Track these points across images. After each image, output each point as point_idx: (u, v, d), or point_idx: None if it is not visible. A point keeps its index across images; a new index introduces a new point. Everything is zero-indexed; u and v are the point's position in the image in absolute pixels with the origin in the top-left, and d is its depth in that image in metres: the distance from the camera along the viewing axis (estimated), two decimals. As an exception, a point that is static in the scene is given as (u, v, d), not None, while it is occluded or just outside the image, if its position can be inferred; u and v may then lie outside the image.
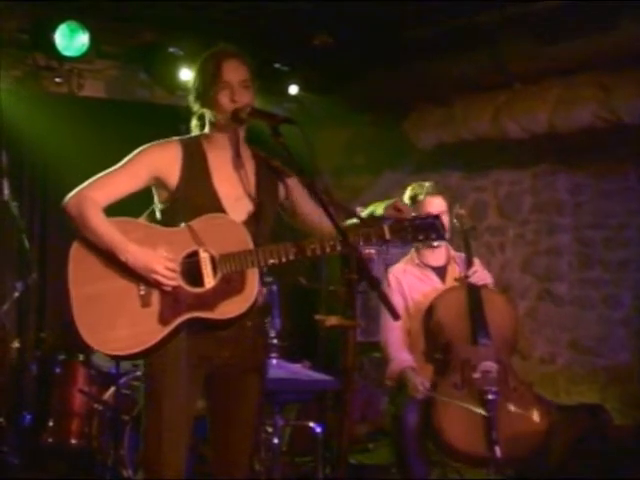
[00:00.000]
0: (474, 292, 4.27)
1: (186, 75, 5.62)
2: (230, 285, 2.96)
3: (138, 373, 4.75)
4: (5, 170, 5.37)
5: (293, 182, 3.19)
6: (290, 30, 5.87)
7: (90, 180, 3.02)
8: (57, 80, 5.87)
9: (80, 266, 2.95)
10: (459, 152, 6.89)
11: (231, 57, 3.04)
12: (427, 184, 4.48)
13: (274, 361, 4.98)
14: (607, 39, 5.43)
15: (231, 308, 2.96)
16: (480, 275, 4.36)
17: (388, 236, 2.99)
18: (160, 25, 5.90)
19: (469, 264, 4.38)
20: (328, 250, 2.99)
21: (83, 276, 2.94)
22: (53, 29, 5.45)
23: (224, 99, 3.00)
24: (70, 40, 5.52)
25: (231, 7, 5.53)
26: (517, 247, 6.82)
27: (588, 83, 5.92)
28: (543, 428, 4.10)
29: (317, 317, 4.12)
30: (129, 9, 5.60)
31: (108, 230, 2.93)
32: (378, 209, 3.09)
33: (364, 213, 3.13)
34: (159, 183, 3.04)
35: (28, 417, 5.51)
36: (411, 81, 6.52)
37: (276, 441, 4.85)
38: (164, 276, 2.90)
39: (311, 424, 5.13)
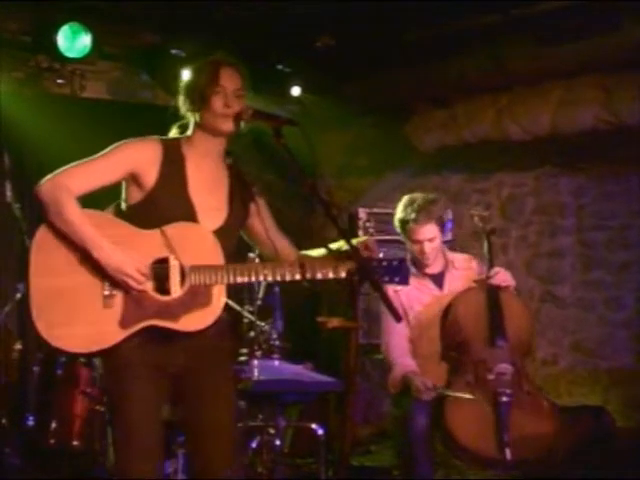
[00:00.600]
0: (493, 294, 4.26)
1: (188, 77, 5.63)
2: (196, 297, 2.92)
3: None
4: (7, 172, 5.37)
5: (262, 203, 3.19)
6: (292, 32, 5.87)
7: (67, 167, 2.97)
8: (59, 81, 5.88)
9: (44, 254, 2.88)
10: (461, 154, 6.90)
11: (229, 65, 3.06)
12: (417, 208, 4.36)
13: (276, 362, 4.98)
14: (609, 41, 5.44)
15: (194, 321, 2.93)
16: (502, 276, 4.34)
17: (356, 276, 2.96)
18: (162, 27, 5.90)
19: (490, 266, 4.35)
20: (318, 276, 3.00)
21: (46, 266, 2.87)
22: (55, 31, 5.46)
23: (217, 103, 3.00)
24: (72, 42, 5.52)
25: (233, 9, 5.53)
26: (519, 249, 6.82)
27: (590, 85, 5.93)
28: (553, 433, 4.11)
29: (319, 319, 4.14)
30: (131, 11, 5.61)
31: (83, 223, 2.87)
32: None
33: (333, 245, 3.09)
34: (133, 179, 2.99)
35: (30, 419, 5.50)
36: (413, 83, 6.52)
37: (278, 442, 4.86)
38: (135, 280, 2.86)
39: (313, 426, 5.13)
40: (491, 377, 4.11)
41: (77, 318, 2.86)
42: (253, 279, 2.97)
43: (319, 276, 3.00)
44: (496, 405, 4.03)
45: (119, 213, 3.03)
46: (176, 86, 3.17)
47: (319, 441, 5.08)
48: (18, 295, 5.40)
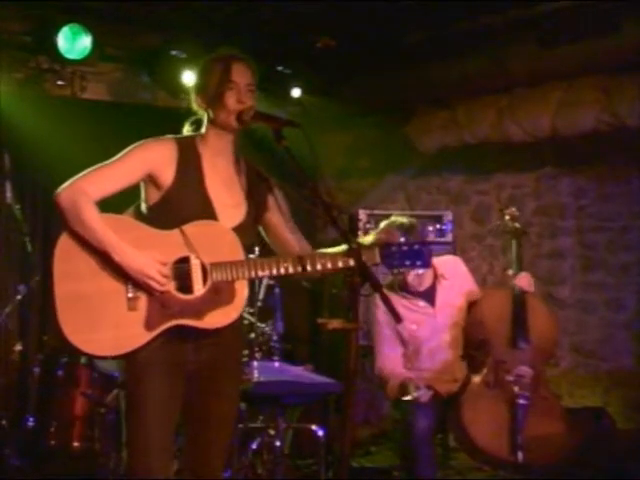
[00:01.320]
0: (519, 296, 4.27)
1: (189, 78, 5.62)
2: (219, 295, 2.94)
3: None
4: (8, 173, 5.37)
5: (280, 196, 3.20)
6: (293, 33, 5.87)
7: (84, 173, 2.97)
8: (60, 83, 5.87)
9: (66, 261, 2.90)
10: (462, 155, 6.90)
11: (240, 60, 3.06)
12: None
13: (276, 364, 4.99)
14: (610, 42, 5.43)
15: (218, 318, 2.94)
16: (524, 281, 4.30)
17: (378, 260, 2.99)
18: (163, 28, 5.90)
19: (519, 267, 4.34)
20: (329, 266, 3.00)
21: (69, 272, 2.89)
22: (56, 32, 5.45)
23: (230, 99, 3.01)
24: (73, 43, 5.52)
25: (234, 10, 5.53)
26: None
27: (590, 87, 5.93)
28: (566, 441, 4.10)
29: (320, 320, 4.14)
30: (132, 12, 5.61)
31: (103, 228, 2.88)
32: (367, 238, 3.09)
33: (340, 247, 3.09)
34: (151, 180, 3.00)
35: (31, 420, 5.50)
36: (414, 84, 6.52)
37: (278, 444, 4.86)
38: (157, 282, 2.87)
39: (313, 427, 5.13)
40: (510, 378, 4.12)
41: (103, 322, 2.87)
42: (275, 272, 2.98)
43: (336, 266, 3.00)
44: (513, 407, 4.03)
45: (139, 215, 3.04)
46: (178, 86, 3.18)
47: (319, 442, 5.08)
48: (18, 296, 5.40)
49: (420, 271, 4.30)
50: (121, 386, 3.08)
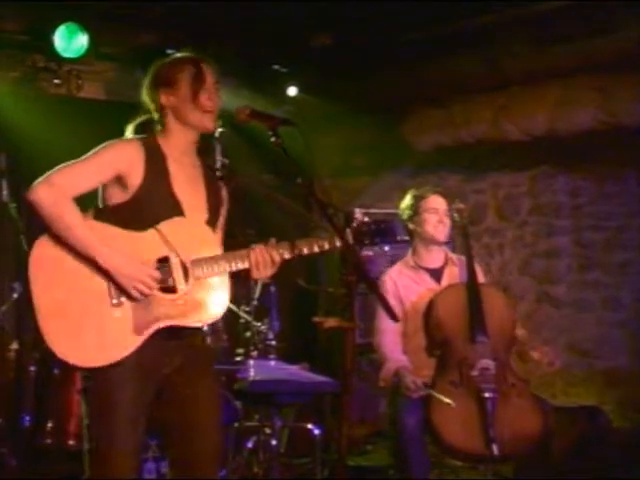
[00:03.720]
0: (473, 289, 4.28)
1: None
2: (202, 290, 2.93)
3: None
4: (3, 171, 5.37)
5: (226, 195, 3.20)
6: (288, 32, 5.87)
7: (58, 169, 2.92)
8: (56, 81, 5.87)
9: (44, 269, 2.83)
10: (458, 154, 6.90)
11: (206, 61, 3.12)
12: (428, 187, 4.57)
13: (272, 362, 4.99)
14: (606, 42, 5.44)
15: (204, 314, 2.94)
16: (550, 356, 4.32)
17: (351, 241, 3.00)
18: (158, 27, 5.90)
19: (469, 260, 4.39)
20: (316, 249, 3.02)
21: (48, 280, 2.83)
22: (52, 30, 5.45)
23: (203, 97, 3.03)
24: (69, 42, 5.52)
25: (229, 9, 5.53)
26: (516, 249, 6.82)
27: (587, 86, 5.93)
28: (541, 425, 4.10)
29: (316, 319, 4.14)
30: (128, 11, 5.60)
31: (88, 234, 2.85)
32: None
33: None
34: (118, 181, 2.96)
35: (27, 418, 5.50)
36: (410, 83, 6.52)
37: (274, 442, 4.87)
38: (147, 285, 2.85)
39: (309, 426, 5.14)
40: (474, 373, 4.11)
41: (87, 332, 2.82)
42: (254, 264, 2.97)
43: (309, 250, 3.02)
44: (481, 401, 4.03)
45: (100, 216, 2.98)
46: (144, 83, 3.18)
47: (315, 441, 5.09)
48: (15, 295, 5.40)
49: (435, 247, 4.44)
50: (87, 389, 3.00)
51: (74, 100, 6.02)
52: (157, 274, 2.88)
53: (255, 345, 5.07)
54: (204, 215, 3.05)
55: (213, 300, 2.95)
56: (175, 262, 2.91)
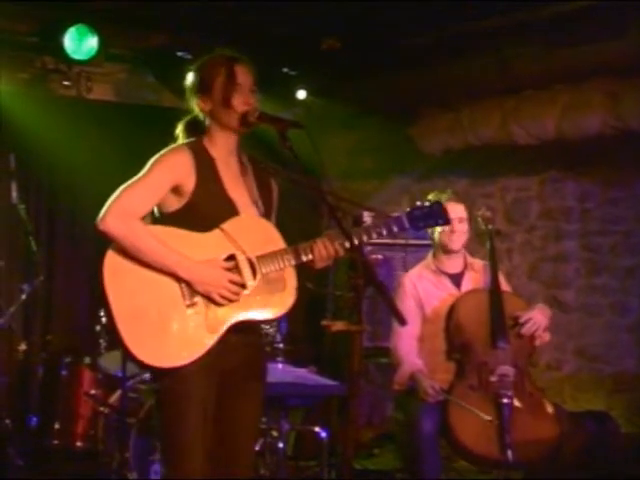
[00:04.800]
0: (496, 295, 4.28)
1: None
2: (271, 285, 2.99)
3: (145, 376, 4.76)
4: (13, 173, 5.39)
5: (276, 192, 3.24)
6: (298, 35, 5.87)
7: (119, 194, 2.94)
8: (66, 83, 5.88)
9: (118, 279, 2.90)
10: (466, 158, 6.89)
11: (242, 62, 3.09)
12: (449, 191, 4.52)
13: (280, 365, 4.98)
14: (615, 46, 5.43)
15: (275, 307, 3.01)
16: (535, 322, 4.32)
17: (407, 225, 3.09)
18: (168, 29, 5.91)
19: (493, 267, 4.38)
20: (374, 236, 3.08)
21: (123, 289, 2.90)
22: (62, 32, 5.47)
23: (237, 101, 3.03)
24: (79, 43, 5.53)
25: (239, 11, 5.53)
26: (524, 253, 6.81)
27: (596, 90, 5.92)
28: (556, 435, 4.12)
29: (323, 322, 4.13)
30: (138, 13, 5.61)
31: (165, 251, 2.91)
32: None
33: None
34: (174, 190, 3.01)
35: (34, 419, 5.52)
36: (419, 86, 6.52)
37: (281, 445, 4.86)
38: (232, 291, 2.93)
39: (316, 429, 5.13)
40: (493, 379, 4.12)
41: (168, 334, 2.89)
42: (317, 255, 3.02)
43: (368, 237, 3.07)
44: (498, 407, 4.04)
45: (156, 223, 3.04)
46: (182, 88, 3.17)
47: (322, 444, 5.08)
48: (23, 296, 5.41)
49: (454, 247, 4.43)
50: (156, 389, 3.01)
51: (84, 102, 6.04)
52: (237, 277, 2.94)
53: (263, 348, 5.07)
54: (258, 210, 3.10)
55: (282, 293, 3.02)
56: (242, 259, 2.97)
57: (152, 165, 3.01)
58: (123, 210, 2.91)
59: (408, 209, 3.13)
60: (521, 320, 4.27)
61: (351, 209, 3.16)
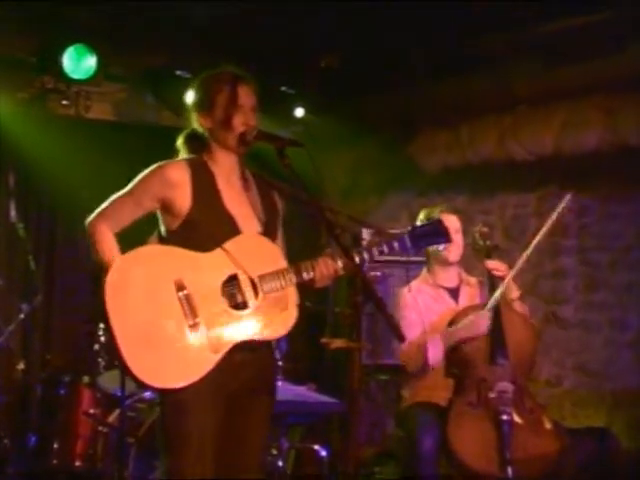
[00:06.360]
0: (495, 311, 4.27)
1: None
2: (272, 304, 2.99)
3: (144, 395, 4.75)
4: (12, 192, 5.39)
5: (281, 208, 3.26)
6: (295, 53, 5.90)
7: (105, 203, 3.03)
8: (64, 102, 5.89)
9: (118, 297, 2.90)
10: (465, 175, 6.90)
11: (245, 81, 3.09)
12: (441, 205, 4.58)
13: (280, 383, 4.96)
14: (613, 62, 5.46)
15: (277, 327, 3.01)
16: (496, 264, 4.34)
17: (409, 244, 3.09)
18: (167, 48, 5.93)
19: (491, 286, 4.36)
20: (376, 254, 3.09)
21: (124, 308, 2.89)
22: (61, 52, 5.48)
23: (237, 121, 3.04)
24: (78, 63, 5.55)
25: (237, 31, 5.56)
26: (522, 269, 6.79)
27: (594, 106, 5.94)
28: (556, 451, 4.10)
29: (323, 339, 4.13)
30: (136, 32, 5.64)
31: (108, 241, 2.99)
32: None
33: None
34: (166, 206, 3.01)
35: (33, 439, 5.49)
36: (417, 104, 6.54)
37: (281, 464, 4.84)
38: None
39: (316, 447, 5.12)
40: (492, 395, 4.11)
41: (169, 354, 2.89)
42: (318, 274, 3.03)
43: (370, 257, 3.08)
44: (498, 423, 4.03)
45: (162, 241, 3.07)
46: (183, 106, 3.19)
47: (322, 462, 5.07)
48: (21, 315, 5.40)
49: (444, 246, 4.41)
50: (160, 403, 3.02)
51: (83, 121, 6.04)
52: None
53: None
54: (260, 228, 3.10)
55: (284, 312, 3.03)
56: (243, 279, 2.97)
57: (142, 176, 3.03)
58: (104, 215, 3.00)
59: (410, 228, 3.14)
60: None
61: (351, 226, 3.16)
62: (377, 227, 3.19)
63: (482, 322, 4.17)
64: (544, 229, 4.30)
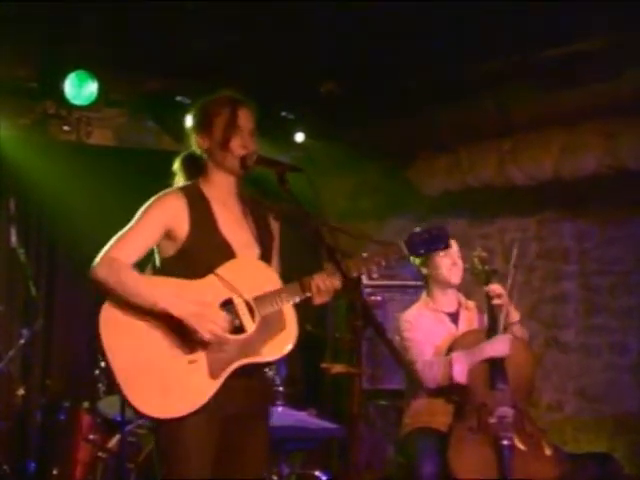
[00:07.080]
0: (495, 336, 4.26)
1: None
2: (270, 325, 2.98)
3: (144, 421, 4.73)
4: (12, 217, 5.40)
5: (277, 230, 3.25)
6: (296, 79, 5.93)
7: (110, 243, 2.98)
8: (65, 128, 5.92)
9: (115, 334, 2.90)
10: (464, 199, 6.92)
11: (245, 105, 3.11)
12: None
13: (280, 408, 4.96)
14: (611, 87, 5.48)
15: (276, 348, 2.99)
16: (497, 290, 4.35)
17: (405, 251, 3.10)
18: (167, 74, 5.97)
19: (490, 309, 4.35)
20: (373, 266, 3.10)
21: (121, 344, 2.89)
22: (62, 78, 5.51)
23: (235, 144, 3.05)
24: (79, 89, 5.57)
25: (237, 56, 5.59)
26: (523, 294, 6.80)
27: (593, 131, 5.96)
28: (555, 477, 4.09)
29: (323, 365, 4.13)
30: (137, 58, 5.67)
31: (151, 289, 2.91)
32: None
33: None
34: (167, 235, 3.02)
35: (32, 465, 5.48)
36: (416, 128, 6.56)
37: (281, 490, 4.82)
38: (220, 326, 2.89)
39: (317, 472, 5.09)
40: (492, 421, 4.10)
41: (169, 386, 2.88)
42: (315, 292, 3.03)
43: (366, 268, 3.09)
44: (498, 449, 4.01)
45: (156, 270, 3.06)
46: (183, 131, 3.20)
47: (323, 488, 5.04)
48: (22, 340, 5.40)
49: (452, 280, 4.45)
50: (155, 430, 3.01)
51: (84, 146, 6.07)
52: (225, 315, 2.92)
53: (262, 391, 5.04)
54: (256, 251, 3.09)
55: (282, 333, 3.01)
56: (239, 302, 2.97)
57: (143, 212, 3.02)
58: (110, 257, 2.93)
59: (406, 236, 3.14)
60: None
61: (350, 251, 3.16)
62: (377, 241, 3.18)
63: (506, 343, 4.17)
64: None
